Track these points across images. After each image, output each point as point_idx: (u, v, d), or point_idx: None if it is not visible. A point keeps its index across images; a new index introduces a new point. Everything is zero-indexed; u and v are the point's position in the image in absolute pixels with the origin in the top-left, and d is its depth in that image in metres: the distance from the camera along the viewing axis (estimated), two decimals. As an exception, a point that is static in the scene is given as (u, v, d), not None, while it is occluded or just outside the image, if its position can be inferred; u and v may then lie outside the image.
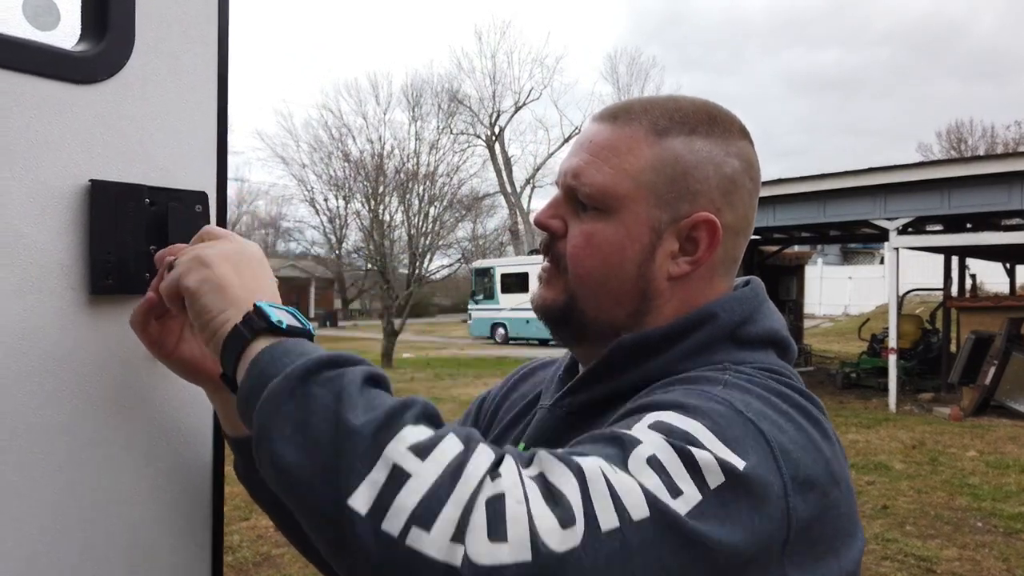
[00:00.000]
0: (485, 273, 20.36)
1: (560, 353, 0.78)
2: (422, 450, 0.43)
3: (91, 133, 0.63)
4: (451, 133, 22.49)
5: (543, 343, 17.98)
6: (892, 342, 8.67)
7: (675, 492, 0.44)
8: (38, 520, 0.60)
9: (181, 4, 0.68)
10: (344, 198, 20.88)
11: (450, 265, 21.57)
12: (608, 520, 0.42)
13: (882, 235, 9.21)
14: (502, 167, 26.59)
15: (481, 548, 0.40)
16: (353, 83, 38.48)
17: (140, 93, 0.66)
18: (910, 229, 9.14)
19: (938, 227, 10.08)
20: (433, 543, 0.40)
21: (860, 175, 8.62)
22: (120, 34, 0.64)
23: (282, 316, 0.54)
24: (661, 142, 0.61)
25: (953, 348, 9.91)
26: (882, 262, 24.47)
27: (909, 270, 11.93)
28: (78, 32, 0.64)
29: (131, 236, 0.65)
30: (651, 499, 0.44)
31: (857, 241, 13.99)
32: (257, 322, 0.53)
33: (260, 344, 0.52)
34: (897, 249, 8.73)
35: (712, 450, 0.46)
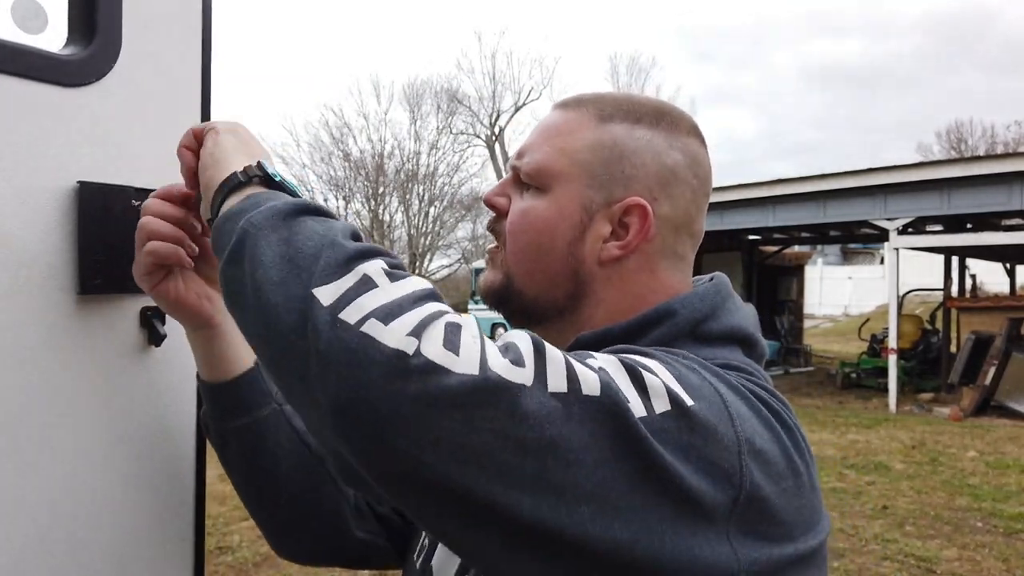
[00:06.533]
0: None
1: None
2: (394, 276, 0.46)
3: (79, 135, 0.64)
4: (451, 133, 22.53)
5: (543, 343, 17.90)
6: (892, 342, 8.67)
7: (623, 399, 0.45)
8: (25, 517, 0.61)
9: (166, 8, 0.69)
10: (344, 198, 20.94)
11: (450, 265, 21.59)
12: (557, 384, 0.43)
13: (882, 235, 9.21)
14: (502, 167, 26.59)
15: (434, 349, 0.42)
16: (355, 83, 38.49)
17: (127, 96, 0.67)
18: (910, 229, 9.14)
19: (938, 227, 10.08)
20: (389, 334, 0.42)
21: (860, 175, 8.62)
22: (107, 38, 0.65)
23: (281, 173, 0.57)
24: (603, 126, 0.61)
25: (953, 348, 9.91)
26: (882, 262, 24.47)
27: (909, 270, 11.92)
28: (65, 36, 0.65)
29: (119, 237, 0.65)
30: (605, 384, 0.44)
31: (857, 241, 13.98)
32: (255, 171, 0.56)
33: (256, 189, 0.55)
34: (897, 249, 8.72)
35: (663, 379, 0.47)
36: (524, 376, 0.43)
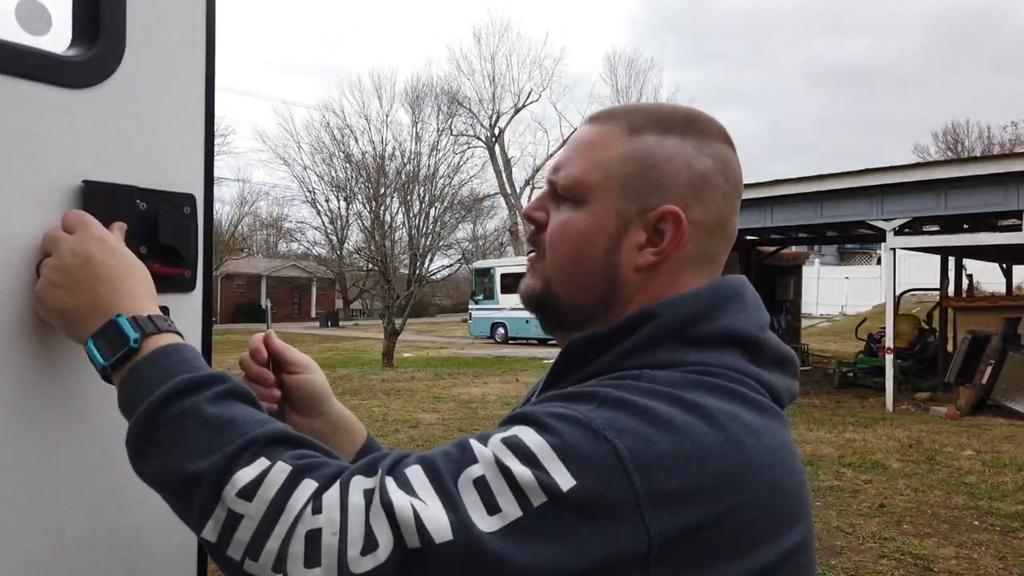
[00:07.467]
0: (485, 273, 20.36)
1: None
2: (249, 492, 0.51)
3: (84, 136, 0.65)
4: (451, 134, 22.52)
5: (543, 342, 17.97)
6: (889, 342, 8.68)
7: (492, 510, 0.48)
8: (30, 519, 0.62)
9: (170, 9, 0.70)
10: (345, 199, 20.93)
11: (450, 265, 21.59)
12: (412, 541, 0.47)
13: (879, 235, 9.21)
14: (502, 168, 26.60)
15: (298, 573, 0.48)
16: (356, 84, 38.40)
17: (131, 97, 0.67)
18: (907, 230, 9.15)
19: (935, 227, 10.09)
20: (261, 569, 0.49)
21: (857, 176, 8.62)
22: (111, 39, 0.65)
23: (134, 331, 0.57)
24: (634, 138, 0.63)
25: (950, 348, 9.92)
26: (879, 262, 24.49)
27: (906, 270, 11.94)
28: (69, 37, 0.66)
29: (124, 236, 0.66)
30: (456, 524, 0.48)
31: (854, 241, 13.99)
32: (116, 342, 0.57)
33: (119, 374, 0.58)
34: (894, 249, 8.73)
35: (541, 469, 0.49)
36: (380, 557, 0.47)
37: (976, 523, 4.44)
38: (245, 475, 0.51)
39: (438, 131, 21.01)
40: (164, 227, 0.68)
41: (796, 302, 13.69)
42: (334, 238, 24.20)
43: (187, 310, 0.72)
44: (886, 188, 8.42)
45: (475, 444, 0.51)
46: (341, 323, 28.94)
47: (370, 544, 0.47)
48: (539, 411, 0.53)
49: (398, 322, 13.86)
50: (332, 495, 0.50)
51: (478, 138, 26.64)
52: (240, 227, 33.48)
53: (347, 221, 22.93)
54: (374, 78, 36.52)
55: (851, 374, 10.27)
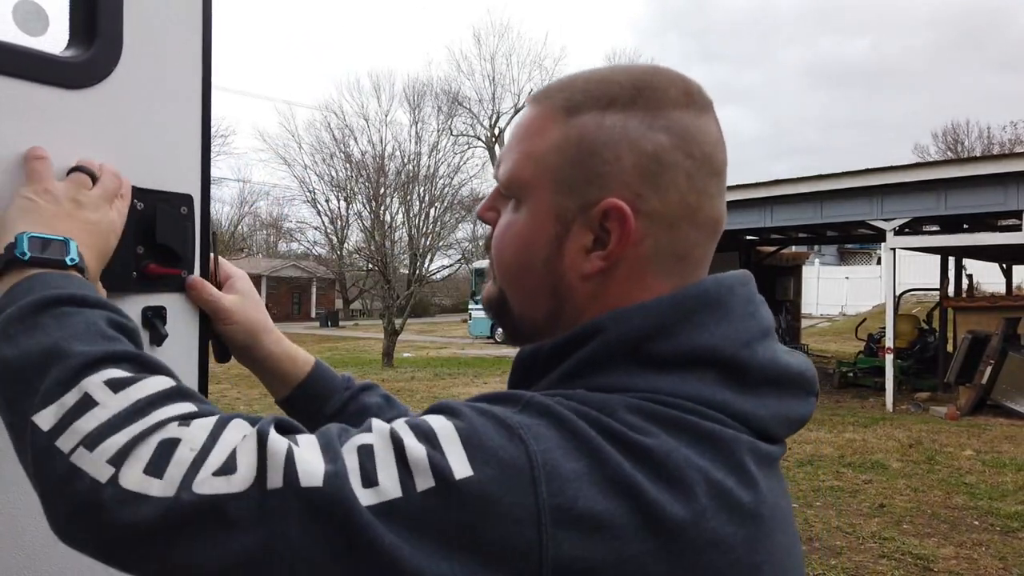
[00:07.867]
0: (485, 273, 20.37)
1: None
2: (118, 385, 0.46)
3: (81, 136, 0.65)
4: (451, 135, 22.56)
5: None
6: (889, 342, 8.69)
7: (369, 482, 0.41)
8: (33, 516, 0.62)
9: (167, 10, 0.70)
10: (346, 199, 20.97)
11: (450, 265, 21.63)
12: (274, 480, 0.42)
13: (879, 236, 9.23)
14: (501, 168, 26.54)
15: (133, 476, 0.42)
16: (356, 84, 38.50)
17: (128, 97, 0.68)
18: (907, 230, 9.16)
19: (935, 227, 10.11)
20: (91, 463, 0.43)
21: (857, 176, 8.64)
22: (109, 40, 0.66)
23: (32, 249, 0.54)
24: (570, 120, 0.53)
25: (950, 348, 9.93)
26: (879, 262, 24.55)
27: (906, 270, 11.96)
28: (67, 38, 0.66)
29: (120, 237, 0.66)
30: (331, 474, 0.41)
31: (854, 241, 14.02)
32: (53, 250, 0.55)
33: (14, 278, 0.53)
34: (894, 249, 8.74)
35: (438, 449, 0.42)
36: (233, 483, 0.41)
37: (976, 523, 4.44)
38: (119, 372, 0.46)
39: (438, 131, 21.05)
40: (161, 227, 0.68)
41: (796, 302, 13.73)
42: (334, 238, 24.25)
43: (184, 310, 0.72)
44: (886, 188, 8.43)
45: (376, 421, 0.46)
46: (341, 323, 28.99)
47: (228, 468, 0.42)
48: (455, 402, 0.47)
49: (398, 322, 13.88)
50: (207, 421, 0.45)
51: (478, 138, 26.69)
52: (240, 227, 33.56)
53: (347, 221, 22.97)
54: (373, 78, 36.62)
55: (851, 374, 10.29)
